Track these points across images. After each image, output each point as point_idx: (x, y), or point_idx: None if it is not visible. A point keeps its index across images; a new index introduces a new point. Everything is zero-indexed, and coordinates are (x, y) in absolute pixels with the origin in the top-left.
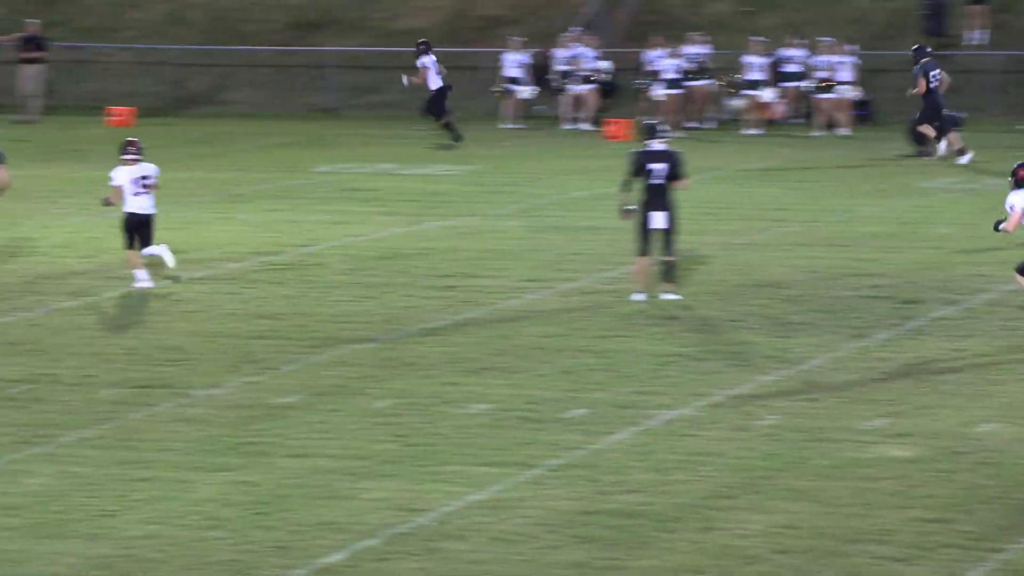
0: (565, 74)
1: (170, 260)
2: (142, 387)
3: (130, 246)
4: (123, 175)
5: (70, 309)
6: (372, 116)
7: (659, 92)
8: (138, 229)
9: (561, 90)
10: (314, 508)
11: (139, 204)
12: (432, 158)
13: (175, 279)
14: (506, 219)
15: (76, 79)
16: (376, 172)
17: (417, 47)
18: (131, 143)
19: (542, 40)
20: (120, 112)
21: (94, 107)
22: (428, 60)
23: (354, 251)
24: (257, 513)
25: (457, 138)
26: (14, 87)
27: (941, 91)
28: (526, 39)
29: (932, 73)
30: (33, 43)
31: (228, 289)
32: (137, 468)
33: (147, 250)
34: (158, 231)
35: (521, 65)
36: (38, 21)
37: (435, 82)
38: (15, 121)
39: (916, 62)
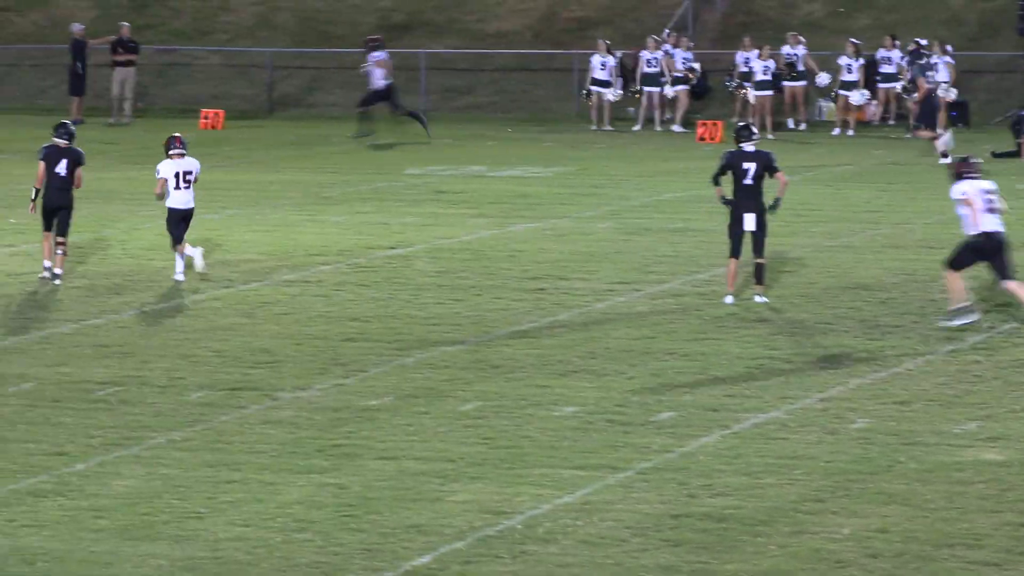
0: (649, 75)
1: (200, 263)
2: (231, 389)
3: (178, 241)
4: (168, 168)
5: (158, 311)
6: (462, 118)
7: (751, 93)
8: (178, 223)
9: (639, 92)
10: (401, 511)
11: (181, 199)
12: (521, 160)
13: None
14: (595, 221)
15: (167, 82)
16: (466, 174)
17: (367, 43)
18: (176, 138)
19: (634, 42)
20: (209, 114)
21: (185, 110)
22: (380, 56)
23: (443, 253)
24: (345, 515)
25: (366, 133)
26: (108, 90)
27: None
28: (610, 41)
29: (928, 74)
30: (124, 46)
31: (317, 291)
32: (225, 470)
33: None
34: (250, 232)
35: (605, 67)
36: (128, 24)
37: (383, 79)
38: (108, 124)
39: (913, 63)
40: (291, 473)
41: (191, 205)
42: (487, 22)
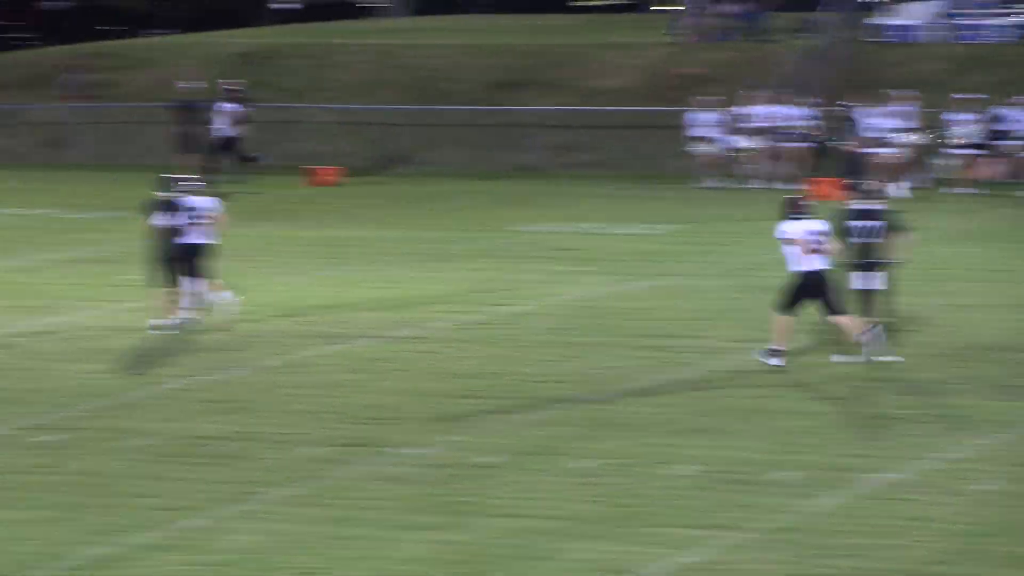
0: (755, 131)
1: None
2: (344, 445)
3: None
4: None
5: (272, 368)
6: (575, 175)
7: (867, 151)
8: (187, 259)
9: (739, 149)
10: (518, 569)
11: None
12: (635, 217)
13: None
14: (712, 278)
15: (281, 138)
16: (579, 231)
17: (228, 93)
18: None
19: (745, 99)
20: (323, 171)
21: (298, 166)
22: (235, 107)
23: (558, 310)
24: (462, 574)
25: (252, 158)
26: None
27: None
28: (714, 98)
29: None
30: (237, 102)
31: (431, 347)
32: (340, 526)
33: (191, 284)
34: (363, 288)
35: (708, 124)
36: (242, 82)
37: (231, 130)
38: (221, 182)
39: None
40: (405, 529)
41: (201, 241)
42: (597, 79)
